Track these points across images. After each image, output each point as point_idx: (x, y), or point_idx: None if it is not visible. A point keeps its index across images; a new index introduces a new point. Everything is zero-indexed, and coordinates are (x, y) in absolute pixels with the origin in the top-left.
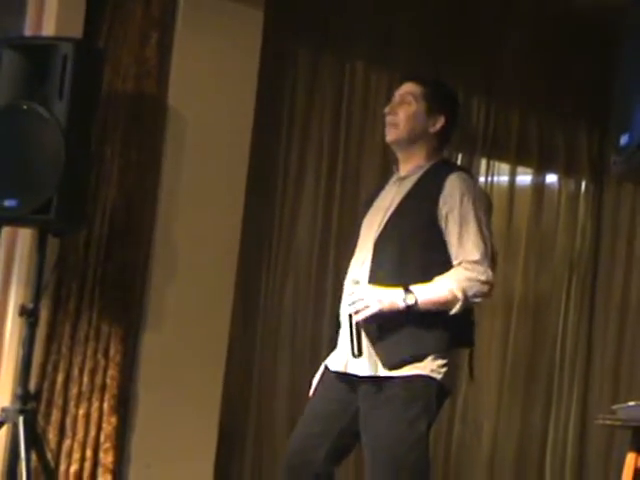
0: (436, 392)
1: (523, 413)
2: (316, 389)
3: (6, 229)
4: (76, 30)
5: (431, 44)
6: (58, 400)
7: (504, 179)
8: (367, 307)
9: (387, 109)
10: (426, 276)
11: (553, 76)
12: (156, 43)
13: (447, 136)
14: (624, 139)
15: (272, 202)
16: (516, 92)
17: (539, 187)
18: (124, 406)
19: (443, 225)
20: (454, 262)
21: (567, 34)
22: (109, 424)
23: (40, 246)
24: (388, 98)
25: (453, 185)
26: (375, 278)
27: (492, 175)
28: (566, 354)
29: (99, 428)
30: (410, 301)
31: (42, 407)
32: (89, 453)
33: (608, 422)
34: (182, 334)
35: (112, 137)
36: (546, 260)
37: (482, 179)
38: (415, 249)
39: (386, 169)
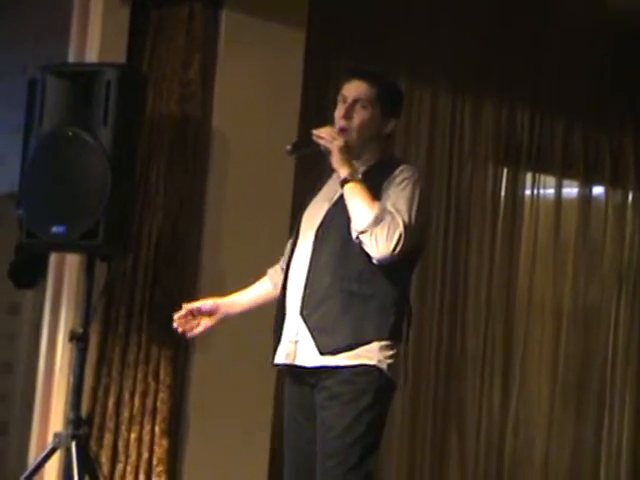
0: (384, 385)
1: (575, 427)
2: (289, 414)
3: (54, 255)
4: (119, 55)
5: (474, 59)
6: (110, 424)
7: (550, 192)
8: (331, 142)
9: (340, 112)
10: (366, 264)
11: (598, 86)
12: (199, 66)
13: (395, 134)
14: None
15: None
16: (561, 103)
17: (586, 199)
18: (175, 428)
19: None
20: None
21: (612, 43)
22: (161, 447)
23: (88, 271)
24: (432, 113)
25: (400, 173)
26: (316, 268)
27: (538, 188)
28: (617, 366)
29: (151, 451)
30: (351, 176)
31: (94, 431)
32: (142, 477)
33: None
34: (232, 355)
35: (157, 161)
36: (595, 272)
37: (528, 192)
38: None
39: (430, 186)
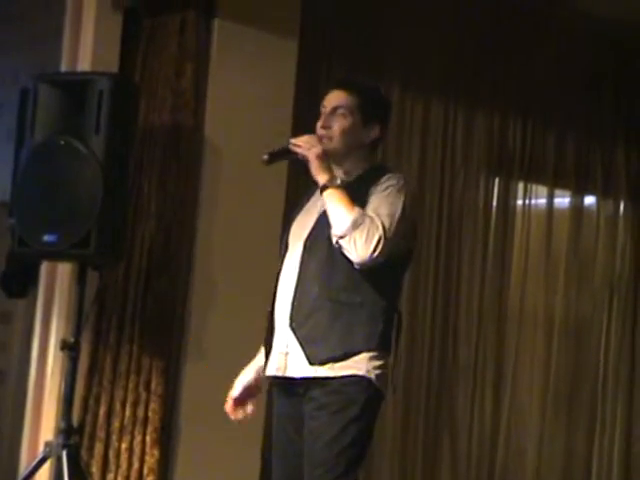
0: (372, 395)
1: (566, 437)
2: (277, 420)
3: (46, 264)
4: (112, 63)
5: (466, 68)
6: (100, 433)
7: (542, 202)
8: (309, 150)
9: (320, 122)
10: (354, 273)
11: (590, 96)
12: (191, 75)
13: (381, 141)
14: None
15: None
16: (553, 113)
17: (577, 208)
18: (166, 439)
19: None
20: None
21: (607, 53)
22: (152, 457)
23: (80, 280)
24: (424, 123)
25: (385, 181)
26: (305, 279)
27: (530, 198)
28: (609, 378)
29: (142, 461)
30: (330, 183)
31: (85, 441)
32: None
33: None
34: (223, 365)
35: (149, 170)
36: (586, 282)
37: (520, 202)
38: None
39: (422, 195)
